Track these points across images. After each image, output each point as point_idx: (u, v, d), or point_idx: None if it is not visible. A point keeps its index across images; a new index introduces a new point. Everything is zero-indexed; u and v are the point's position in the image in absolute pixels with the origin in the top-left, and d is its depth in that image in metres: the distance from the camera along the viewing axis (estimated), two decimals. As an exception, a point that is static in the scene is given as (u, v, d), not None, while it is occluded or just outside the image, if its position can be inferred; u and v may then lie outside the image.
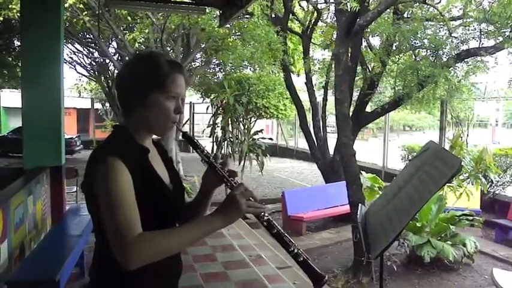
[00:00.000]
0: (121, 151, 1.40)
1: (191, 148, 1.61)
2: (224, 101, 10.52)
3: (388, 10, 7.44)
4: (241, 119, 11.16)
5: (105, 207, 1.36)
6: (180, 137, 11.31)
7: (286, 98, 13.26)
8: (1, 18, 11.96)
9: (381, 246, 2.08)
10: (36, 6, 5.28)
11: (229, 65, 14.48)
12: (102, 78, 17.00)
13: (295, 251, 1.48)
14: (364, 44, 8.65)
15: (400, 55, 8.17)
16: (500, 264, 6.67)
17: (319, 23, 10.59)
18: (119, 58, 14.51)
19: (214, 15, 10.30)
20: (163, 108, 1.48)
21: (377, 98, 9.76)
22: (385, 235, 2.11)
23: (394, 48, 7.85)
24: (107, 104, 20.45)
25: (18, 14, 9.86)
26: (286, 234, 1.49)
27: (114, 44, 15.09)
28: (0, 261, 3.44)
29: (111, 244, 1.34)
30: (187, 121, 20.14)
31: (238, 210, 1.40)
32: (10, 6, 11.07)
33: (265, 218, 1.47)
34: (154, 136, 1.63)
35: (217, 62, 15.91)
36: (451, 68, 7.27)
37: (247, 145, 9.88)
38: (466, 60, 7.35)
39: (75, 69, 17.39)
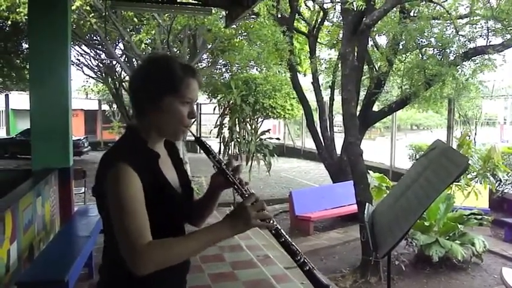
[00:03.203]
0: (132, 157, 1.42)
1: (199, 148, 1.61)
2: (231, 102, 10.54)
3: (395, 9, 7.41)
4: (248, 119, 11.16)
5: (115, 214, 1.38)
6: (188, 138, 11.33)
7: (293, 98, 13.27)
8: (9, 22, 12.06)
9: (388, 245, 2.07)
10: (44, 9, 5.32)
11: (236, 65, 14.53)
12: (109, 79, 17.06)
13: (302, 260, 1.49)
14: (371, 43, 8.61)
15: (407, 54, 8.13)
16: (510, 263, 6.61)
17: (326, 23, 10.58)
18: (126, 59, 14.56)
19: (221, 16, 10.32)
20: (177, 112, 1.49)
21: (384, 97, 9.73)
22: (392, 234, 2.10)
23: (400, 47, 7.82)
24: (114, 106, 20.52)
25: (26, 18, 9.94)
26: (293, 244, 1.50)
27: (121, 45, 15.14)
28: (10, 262, 3.46)
29: (122, 251, 1.36)
30: (194, 122, 20.14)
31: (247, 223, 1.41)
32: (18, 10, 11.16)
33: (274, 227, 1.47)
34: None
35: (223, 62, 15.95)
36: (459, 67, 7.23)
37: (254, 145, 9.88)
38: (473, 58, 7.30)
39: (83, 71, 17.48)
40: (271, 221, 1.46)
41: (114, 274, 1.51)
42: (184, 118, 1.51)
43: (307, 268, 1.49)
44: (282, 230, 1.49)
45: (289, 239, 1.50)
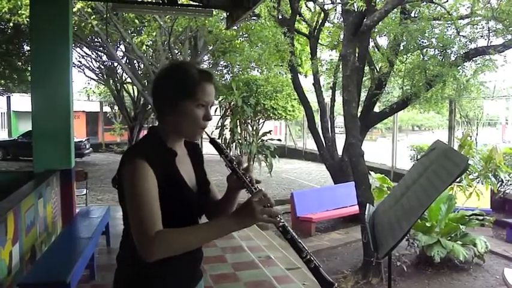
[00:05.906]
0: (148, 154, 1.52)
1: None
2: (232, 103, 10.56)
3: (395, 10, 7.41)
4: (250, 121, 11.19)
5: (129, 205, 1.49)
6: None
7: (294, 99, 13.27)
8: (11, 24, 12.10)
9: (388, 245, 2.07)
10: (45, 11, 5.34)
11: (237, 66, 14.54)
12: (111, 81, 17.10)
13: (308, 257, 1.54)
14: (372, 44, 8.62)
15: (408, 55, 8.13)
16: (512, 264, 6.62)
17: (326, 24, 10.58)
18: (127, 61, 14.59)
19: (222, 17, 10.34)
20: (193, 115, 1.58)
21: (385, 98, 9.72)
22: (392, 234, 2.10)
23: (401, 47, 7.82)
24: (116, 107, 20.56)
25: (28, 20, 9.97)
26: (300, 241, 1.55)
27: (122, 47, 15.18)
28: (12, 263, 3.47)
29: (134, 238, 1.46)
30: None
31: (252, 217, 1.47)
32: (19, 12, 11.19)
33: (281, 223, 1.52)
34: None
35: (224, 64, 15.97)
36: (460, 67, 7.23)
37: (255, 146, 9.90)
38: (474, 59, 7.31)
39: (84, 73, 17.54)
40: (278, 218, 1.51)
41: (129, 261, 1.60)
42: (199, 120, 1.60)
43: (313, 265, 1.54)
44: (289, 227, 1.55)
45: (296, 236, 1.55)
